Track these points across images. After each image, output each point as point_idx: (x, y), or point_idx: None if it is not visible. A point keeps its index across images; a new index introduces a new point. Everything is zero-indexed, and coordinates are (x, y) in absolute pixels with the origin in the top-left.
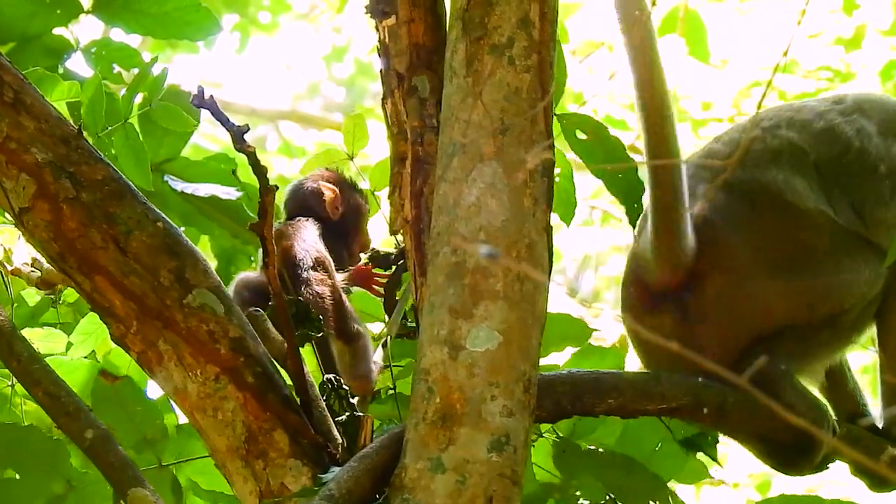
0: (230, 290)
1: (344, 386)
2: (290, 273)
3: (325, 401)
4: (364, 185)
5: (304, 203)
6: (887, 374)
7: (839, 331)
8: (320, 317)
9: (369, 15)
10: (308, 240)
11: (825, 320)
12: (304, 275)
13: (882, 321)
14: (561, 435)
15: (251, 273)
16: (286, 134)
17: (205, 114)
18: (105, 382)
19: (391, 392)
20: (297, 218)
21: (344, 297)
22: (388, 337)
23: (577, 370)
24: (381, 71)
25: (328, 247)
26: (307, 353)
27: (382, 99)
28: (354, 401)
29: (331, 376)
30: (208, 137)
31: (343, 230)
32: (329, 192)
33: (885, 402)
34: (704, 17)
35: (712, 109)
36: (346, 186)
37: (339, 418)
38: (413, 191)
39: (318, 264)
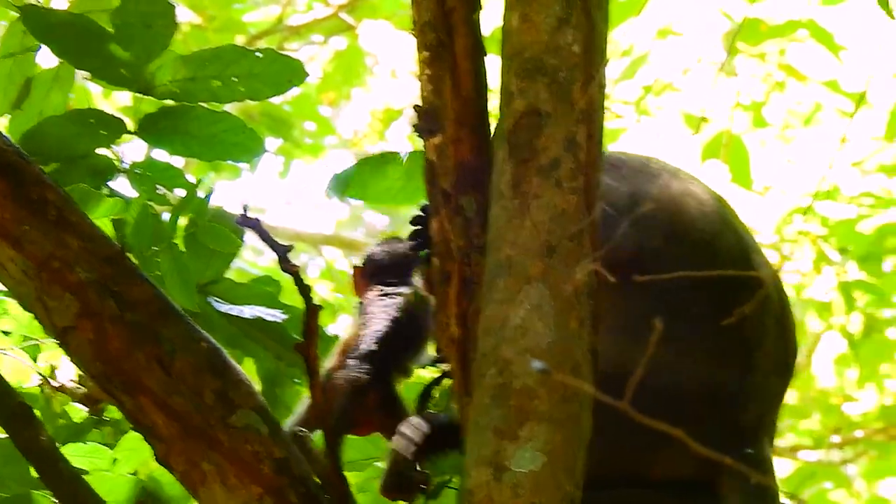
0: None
1: None
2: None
3: None
4: None
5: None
6: None
7: None
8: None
9: (417, 134)
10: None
11: None
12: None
13: None
14: None
15: None
16: (329, 257)
17: (248, 239)
18: None
19: None
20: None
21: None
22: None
23: None
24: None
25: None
26: None
27: (429, 217)
28: None
29: None
30: (251, 265)
31: None
32: None
33: None
34: (748, 143)
35: (755, 236)
36: None
37: None
38: (459, 311)
39: None
